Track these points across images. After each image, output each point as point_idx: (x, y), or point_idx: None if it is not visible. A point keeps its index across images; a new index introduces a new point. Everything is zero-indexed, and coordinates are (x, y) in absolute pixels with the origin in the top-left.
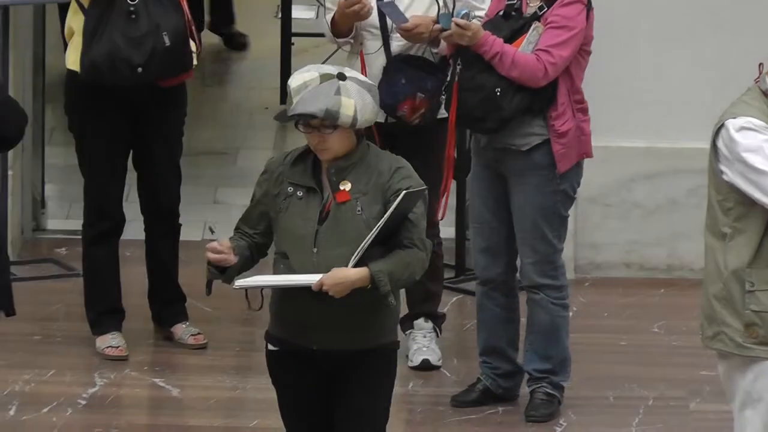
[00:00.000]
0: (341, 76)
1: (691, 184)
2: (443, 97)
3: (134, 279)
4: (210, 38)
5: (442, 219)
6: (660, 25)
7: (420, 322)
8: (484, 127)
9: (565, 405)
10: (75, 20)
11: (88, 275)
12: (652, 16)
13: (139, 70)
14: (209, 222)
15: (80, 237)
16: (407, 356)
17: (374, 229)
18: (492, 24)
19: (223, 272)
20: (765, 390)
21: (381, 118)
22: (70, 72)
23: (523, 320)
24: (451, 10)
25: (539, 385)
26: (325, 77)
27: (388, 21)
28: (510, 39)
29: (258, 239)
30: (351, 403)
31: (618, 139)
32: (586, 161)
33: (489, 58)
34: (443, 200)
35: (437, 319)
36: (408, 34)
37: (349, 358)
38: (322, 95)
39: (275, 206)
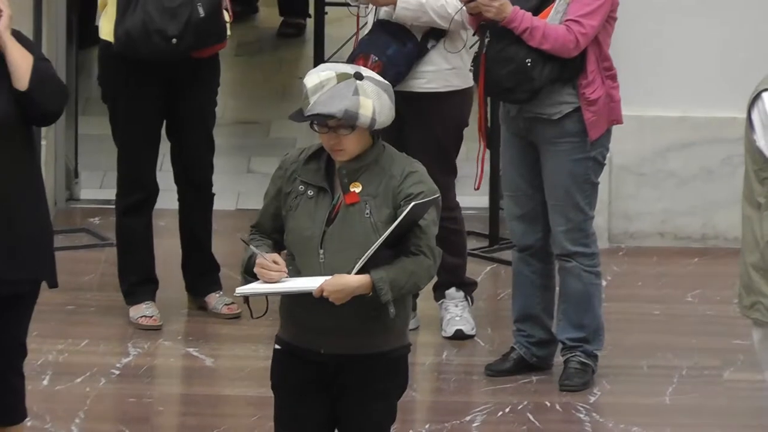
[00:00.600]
0: (358, 76)
1: (725, 153)
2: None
3: (168, 249)
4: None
5: (478, 189)
6: None
7: (452, 291)
8: (514, 97)
9: (599, 374)
10: None
11: (121, 245)
12: None
13: (174, 41)
14: (241, 191)
15: (113, 207)
16: (441, 326)
17: (381, 238)
18: None
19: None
20: None
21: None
22: (104, 42)
23: (557, 290)
24: None
25: (573, 354)
26: (341, 77)
27: None
28: (537, 9)
29: (277, 237)
30: (357, 408)
31: (653, 108)
32: (622, 131)
33: (519, 33)
34: (479, 171)
35: (468, 287)
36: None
37: (356, 363)
38: (341, 96)
39: (287, 204)
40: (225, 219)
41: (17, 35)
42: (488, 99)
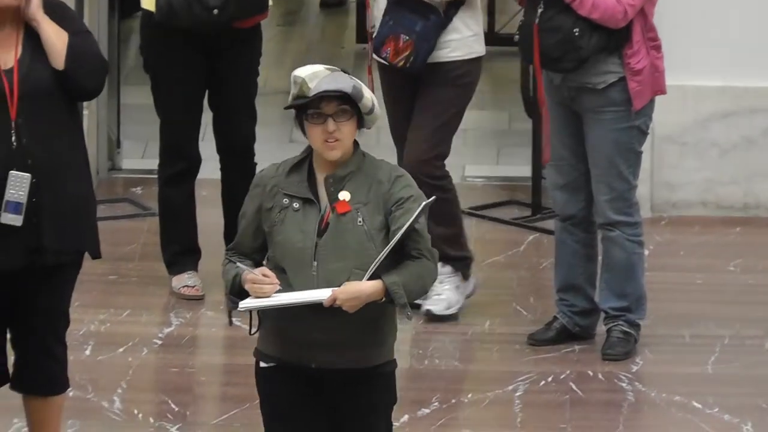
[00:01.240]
0: (344, 71)
1: (766, 123)
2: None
3: (211, 218)
4: None
5: (546, 162)
6: None
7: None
8: (561, 67)
9: (642, 343)
10: None
11: (163, 215)
12: None
13: (215, 11)
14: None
15: (156, 176)
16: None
17: (391, 242)
18: None
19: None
20: None
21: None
22: (146, 12)
23: (599, 259)
24: None
25: (615, 323)
26: (331, 69)
27: None
28: None
29: (257, 257)
30: (357, 424)
31: (694, 78)
32: (664, 100)
33: (569, 1)
34: (545, 143)
35: (456, 262)
36: None
37: (348, 377)
38: (342, 78)
39: (270, 220)
40: None
41: (60, 7)
42: (530, 68)
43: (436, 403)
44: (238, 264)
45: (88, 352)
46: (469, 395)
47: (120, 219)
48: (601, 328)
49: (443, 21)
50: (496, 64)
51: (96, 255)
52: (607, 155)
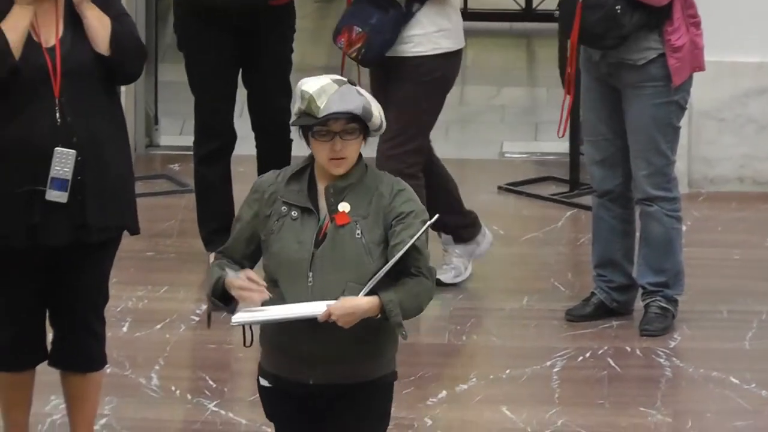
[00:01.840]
0: (352, 83)
1: None
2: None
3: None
4: None
5: (562, 136)
6: None
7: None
8: (603, 44)
9: (679, 319)
10: None
11: (199, 193)
12: None
13: None
14: None
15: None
16: None
17: (391, 261)
18: None
19: (228, 304)
20: None
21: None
22: None
23: (637, 235)
24: None
25: (653, 299)
26: (339, 82)
27: None
28: None
29: (247, 264)
30: None
31: (732, 54)
32: (702, 76)
33: None
34: (563, 117)
35: (457, 231)
36: None
37: (346, 392)
38: (351, 95)
39: (267, 228)
40: None
41: None
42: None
43: (474, 379)
44: (226, 268)
45: (125, 329)
46: (507, 371)
47: (158, 195)
48: (638, 304)
49: (404, 15)
50: (534, 40)
51: (135, 231)
52: (646, 130)
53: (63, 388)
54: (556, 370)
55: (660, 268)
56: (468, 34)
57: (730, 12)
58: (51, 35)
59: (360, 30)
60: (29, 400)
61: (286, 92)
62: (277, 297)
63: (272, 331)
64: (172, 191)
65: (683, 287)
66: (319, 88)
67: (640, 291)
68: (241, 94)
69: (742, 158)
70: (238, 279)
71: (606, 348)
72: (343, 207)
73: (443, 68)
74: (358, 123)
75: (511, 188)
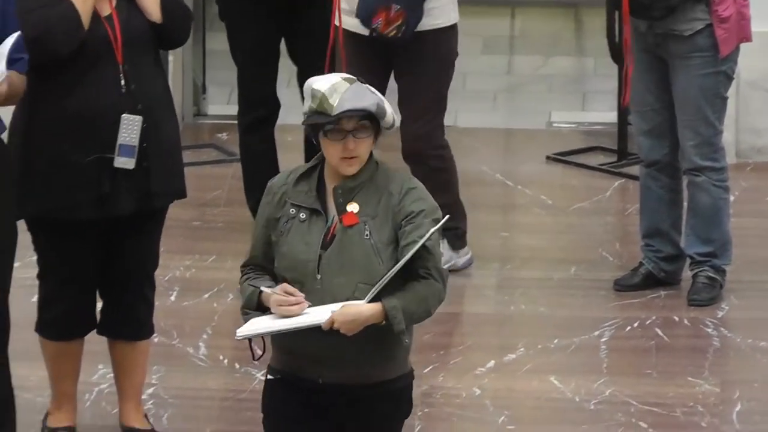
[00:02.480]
0: (361, 81)
1: None
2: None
3: (294, 163)
4: None
5: (626, 105)
6: None
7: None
8: (650, 14)
9: (727, 289)
10: None
11: (245, 162)
12: None
13: None
14: None
15: None
16: None
17: (398, 264)
18: None
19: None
20: None
21: (362, 30)
22: None
23: (685, 205)
24: None
25: (701, 269)
26: (349, 80)
27: None
28: None
29: (272, 268)
30: None
31: None
32: (749, 46)
33: None
34: (626, 87)
35: (447, 232)
36: None
37: (358, 392)
38: (363, 93)
39: (277, 230)
40: None
41: None
42: (616, 14)
43: (522, 349)
44: (258, 282)
45: (173, 298)
46: (555, 341)
47: (205, 165)
48: (686, 274)
49: None
50: (582, 9)
51: (185, 195)
52: (694, 101)
53: (112, 357)
54: (604, 339)
55: (708, 238)
56: (516, 3)
57: None
58: (105, 5)
59: (399, 7)
60: (78, 369)
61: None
62: None
63: (282, 334)
64: (220, 160)
65: (731, 257)
66: (330, 87)
67: (688, 261)
68: (290, 63)
69: None
70: (275, 294)
71: (654, 318)
72: (352, 207)
73: (455, 39)
74: (371, 121)
75: (559, 158)
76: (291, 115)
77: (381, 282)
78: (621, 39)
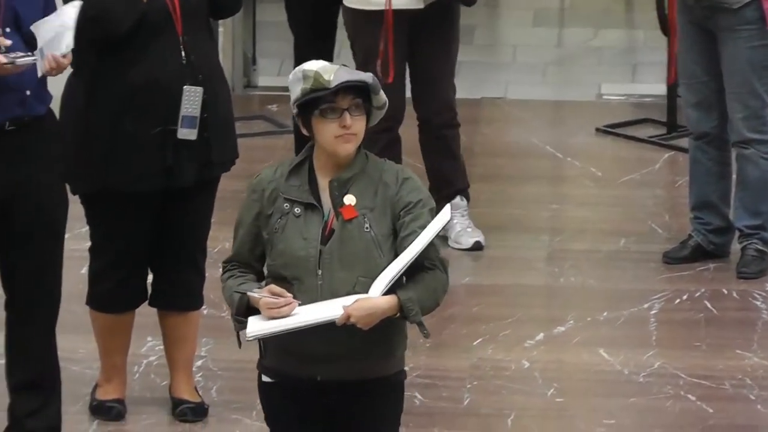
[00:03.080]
0: (345, 66)
1: None
2: None
3: None
4: None
5: (672, 83)
6: None
7: (456, 201)
8: None
9: None
10: None
11: (297, 133)
12: None
13: None
14: None
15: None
16: (451, 237)
17: (410, 259)
18: None
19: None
20: None
21: (415, 5)
22: None
23: (734, 177)
24: None
25: (750, 242)
26: (338, 64)
27: None
28: None
29: (259, 267)
30: None
31: None
32: None
33: None
34: (672, 65)
35: (465, 193)
36: None
37: (356, 389)
38: (354, 71)
39: (269, 227)
40: None
41: None
42: None
43: (571, 322)
44: (244, 285)
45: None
46: (604, 313)
47: (256, 136)
48: (735, 247)
49: None
50: None
51: (237, 156)
52: (742, 73)
53: (162, 329)
54: (653, 312)
55: (757, 211)
56: None
57: None
58: None
59: None
60: (128, 341)
61: None
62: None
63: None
64: (271, 132)
65: None
66: (321, 66)
67: (737, 233)
68: (341, 35)
69: None
70: (263, 297)
71: (703, 290)
72: (349, 200)
73: (460, 11)
74: (363, 99)
75: (609, 130)
76: None
77: (396, 274)
78: (670, 11)
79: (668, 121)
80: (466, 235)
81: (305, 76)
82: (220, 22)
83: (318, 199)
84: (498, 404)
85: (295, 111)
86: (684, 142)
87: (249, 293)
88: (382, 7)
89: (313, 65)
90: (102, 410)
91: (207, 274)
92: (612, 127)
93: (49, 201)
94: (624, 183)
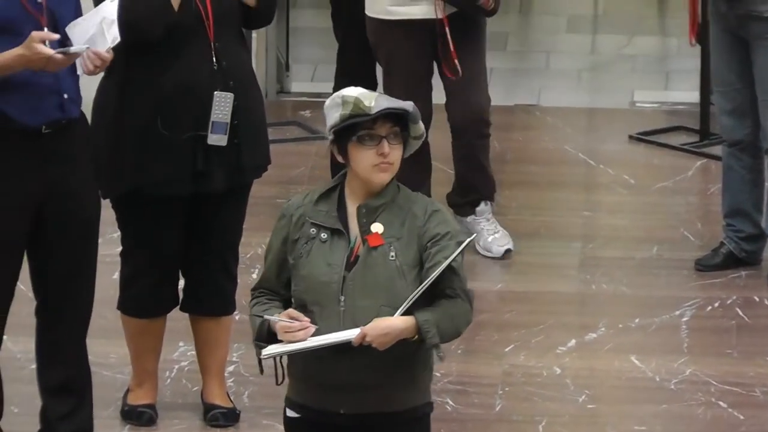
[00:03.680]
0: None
1: None
2: None
3: None
4: None
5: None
6: None
7: (482, 207)
8: None
9: None
10: None
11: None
12: None
13: None
14: None
15: (324, 100)
16: (478, 244)
17: (428, 280)
18: None
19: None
20: None
21: (441, 14)
22: None
23: (766, 185)
24: None
25: None
26: (376, 92)
27: None
28: None
29: (286, 293)
30: None
31: None
32: None
33: None
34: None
35: (493, 197)
36: None
37: (380, 422)
38: (393, 99)
39: (295, 251)
40: None
41: None
42: None
43: (602, 328)
44: (267, 310)
45: (254, 275)
46: (636, 320)
47: (288, 142)
48: (767, 254)
49: None
50: None
51: (269, 162)
52: None
53: (195, 334)
54: (684, 319)
55: None
56: None
57: None
58: None
59: None
60: (160, 346)
61: None
62: (310, 321)
63: (302, 359)
64: (303, 138)
65: None
66: (361, 92)
67: None
68: None
69: None
70: (279, 321)
71: (735, 298)
72: (376, 228)
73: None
74: (401, 128)
75: (642, 137)
76: None
77: (412, 296)
78: (704, 19)
79: (701, 129)
80: (496, 243)
81: (345, 101)
82: None
83: (345, 225)
84: (529, 411)
85: (330, 137)
86: (716, 149)
87: (267, 317)
88: (401, 17)
89: (353, 91)
90: (133, 415)
91: (239, 280)
92: (645, 134)
93: (83, 203)
94: (657, 190)
